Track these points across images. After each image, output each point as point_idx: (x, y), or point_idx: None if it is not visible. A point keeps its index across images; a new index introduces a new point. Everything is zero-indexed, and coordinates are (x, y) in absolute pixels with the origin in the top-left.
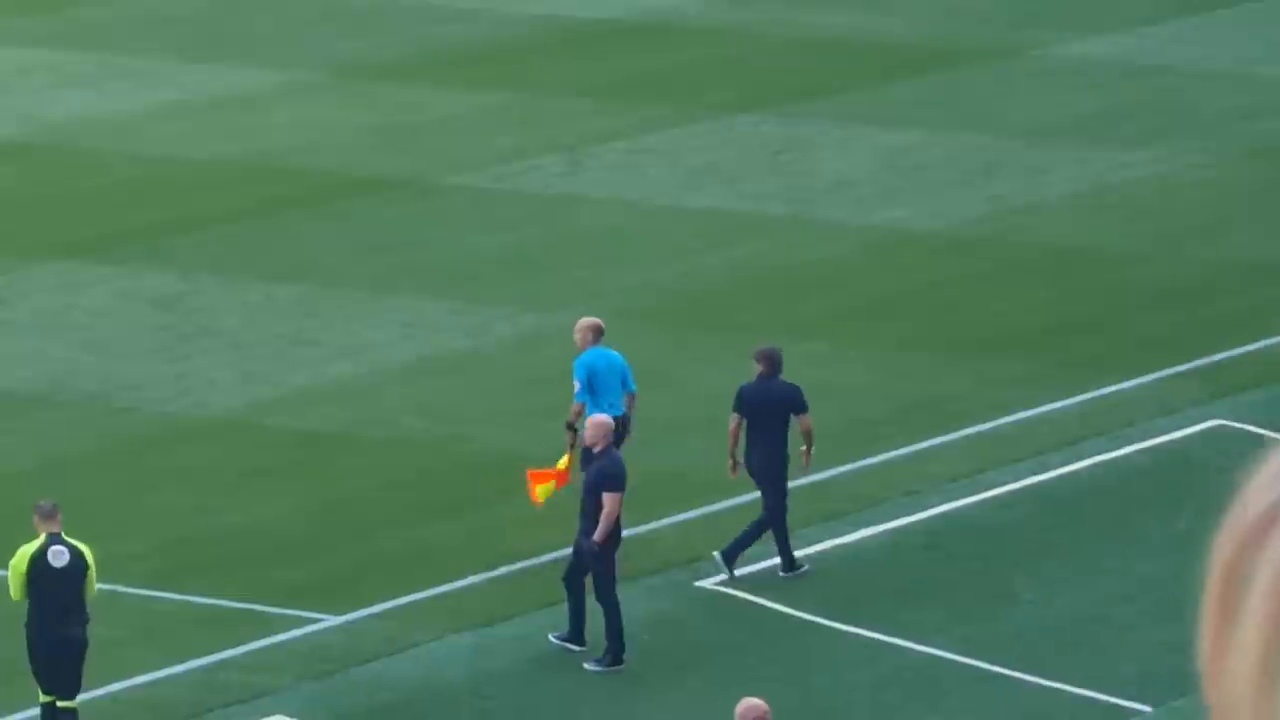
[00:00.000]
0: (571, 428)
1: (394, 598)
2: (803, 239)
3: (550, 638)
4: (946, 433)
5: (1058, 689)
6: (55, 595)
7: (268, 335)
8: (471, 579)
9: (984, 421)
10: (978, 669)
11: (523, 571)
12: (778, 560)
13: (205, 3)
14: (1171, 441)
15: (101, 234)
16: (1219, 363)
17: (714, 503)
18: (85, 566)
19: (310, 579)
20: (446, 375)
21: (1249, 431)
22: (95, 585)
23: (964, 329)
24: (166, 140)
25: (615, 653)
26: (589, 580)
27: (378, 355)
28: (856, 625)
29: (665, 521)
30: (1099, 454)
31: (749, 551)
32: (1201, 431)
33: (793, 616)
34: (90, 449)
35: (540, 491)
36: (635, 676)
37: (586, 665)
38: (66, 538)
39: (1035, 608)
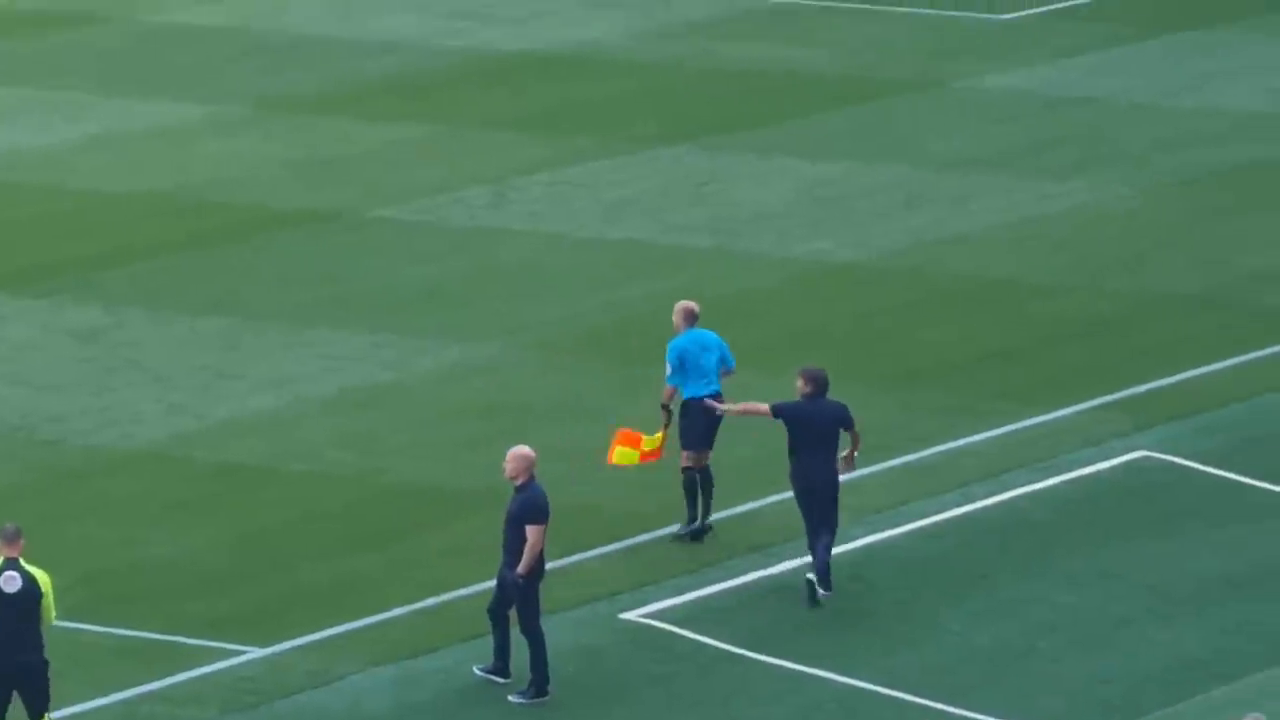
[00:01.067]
0: (665, 409)
1: (317, 630)
2: (726, 270)
3: (475, 670)
4: (871, 464)
5: None
6: (5, 620)
7: (192, 368)
8: (395, 611)
9: (908, 453)
10: (902, 700)
11: (446, 604)
12: (704, 592)
13: (131, 37)
14: (1097, 473)
15: (26, 266)
16: (1143, 394)
17: (637, 535)
18: (39, 594)
19: (234, 611)
20: (369, 407)
21: (1173, 463)
22: (53, 613)
23: (888, 360)
24: (91, 174)
25: (540, 685)
26: (513, 612)
27: (301, 387)
28: (780, 657)
29: (589, 554)
30: (1024, 485)
31: (672, 583)
32: (1126, 463)
33: (716, 648)
34: (14, 481)
35: (619, 454)
36: (560, 708)
37: (511, 698)
38: (24, 564)
39: (960, 639)
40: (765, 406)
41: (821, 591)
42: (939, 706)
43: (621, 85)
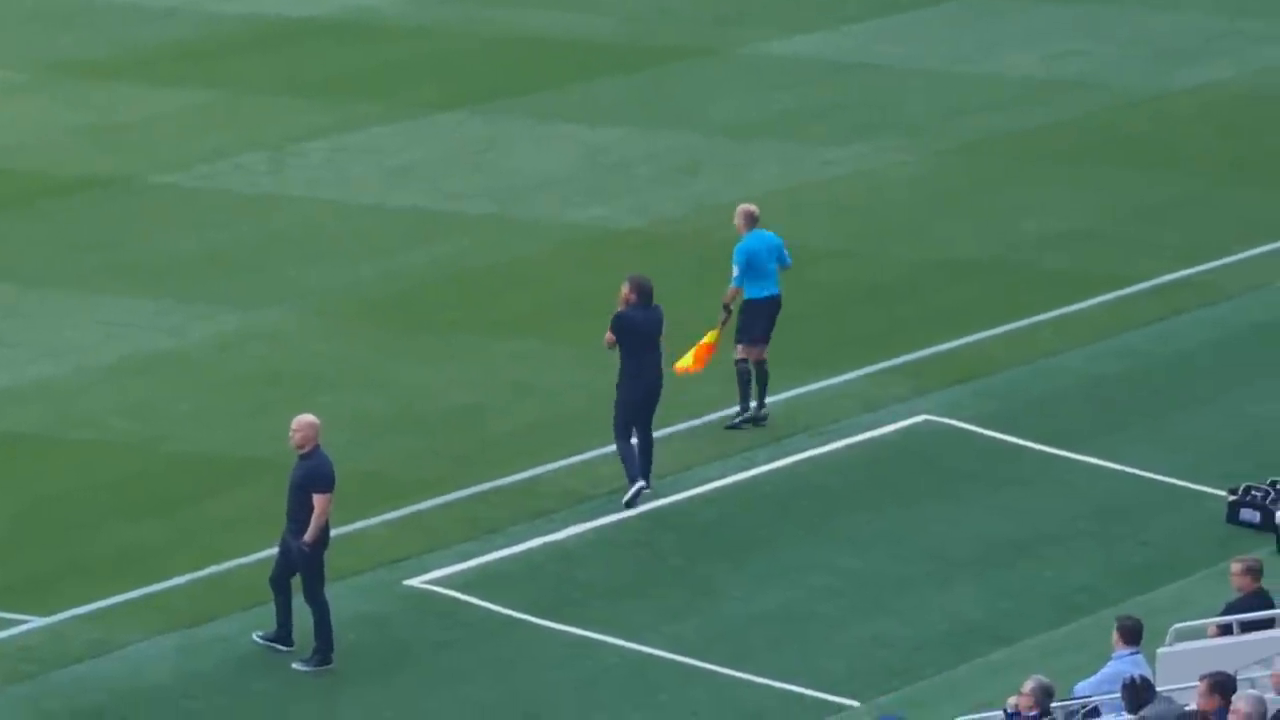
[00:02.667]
0: (726, 308)
1: (99, 599)
2: (506, 237)
3: (256, 638)
4: (654, 429)
5: (766, 684)
6: None
7: None
8: (177, 579)
9: (691, 418)
10: (687, 665)
11: (229, 571)
12: (488, 558)
13: None
14: (878, 437)
15: None
16: (923, 359)
17: (419, 502)
18: None
19: (14, 579)
20: (151, 375)
21: (953, 427)
22: None
23: (669, 326)
24: None
25: (323, 652)
26: (297, 580)
27: (82, 355)
28: (565, 623)
29: (372, 520)
30: (805, 450)
31: (456, 549)
32: (907, 427)
33: (501, 614)
34: None
35: (681, 363)
36: (343, 676)
37: (294, 665)
38: None
39: (743, 604)
40: (610, 336)
41: (642, 483)
42: (723, 671)
43: (401, 51)
